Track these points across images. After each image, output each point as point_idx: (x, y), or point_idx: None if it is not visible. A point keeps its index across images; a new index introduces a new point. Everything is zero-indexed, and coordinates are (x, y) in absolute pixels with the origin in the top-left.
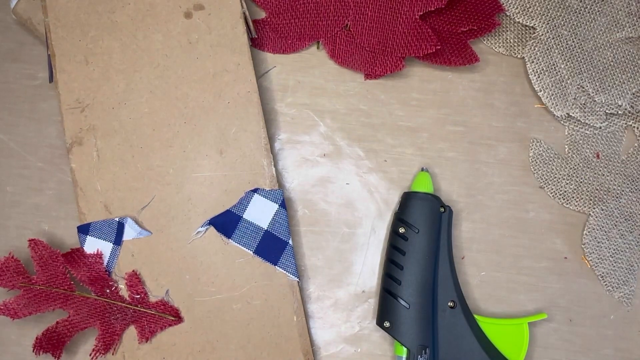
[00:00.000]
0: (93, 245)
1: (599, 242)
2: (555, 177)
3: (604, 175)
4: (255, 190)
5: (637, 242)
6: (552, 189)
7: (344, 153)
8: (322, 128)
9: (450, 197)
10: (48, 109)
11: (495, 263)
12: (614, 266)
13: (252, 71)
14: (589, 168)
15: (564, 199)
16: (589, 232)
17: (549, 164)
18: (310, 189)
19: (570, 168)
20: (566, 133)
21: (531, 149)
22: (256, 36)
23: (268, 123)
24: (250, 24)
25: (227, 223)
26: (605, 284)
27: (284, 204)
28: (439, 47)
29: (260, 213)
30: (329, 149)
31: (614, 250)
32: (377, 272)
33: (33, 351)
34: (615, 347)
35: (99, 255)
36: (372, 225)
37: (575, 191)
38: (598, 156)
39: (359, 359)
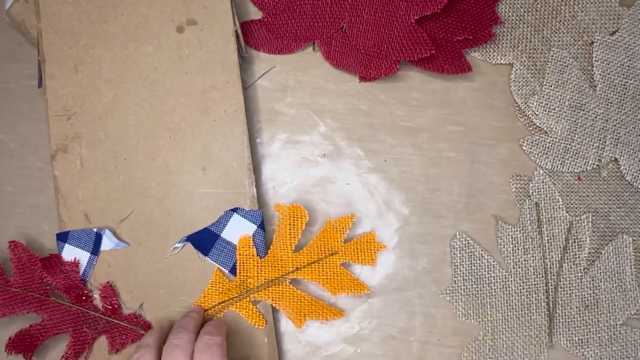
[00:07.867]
0: (71, 253)
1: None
2: None
3: (589, 196)
4: (235, 210)
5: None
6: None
7: (344, 153)
8: (322, 128)
9: (450, 197)
10: None
11: None
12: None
13: (240, 90)
14: (572, 192)
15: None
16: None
17: None
18: (310, 189)
19: None
20: None
21: None
22: (247, 55)
23: (268, 123)
24: (242, 41)
25: (204, 240)
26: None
27: (263, 225)
28: (433, 52)
29: (238, 233)
30: (329, 149)
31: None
32: (376, 272)
33: (5, 350)
34: None
35: (75, 264)
36: (372, 225)
37: None
38: (579, 178)
39: (359, 359)
